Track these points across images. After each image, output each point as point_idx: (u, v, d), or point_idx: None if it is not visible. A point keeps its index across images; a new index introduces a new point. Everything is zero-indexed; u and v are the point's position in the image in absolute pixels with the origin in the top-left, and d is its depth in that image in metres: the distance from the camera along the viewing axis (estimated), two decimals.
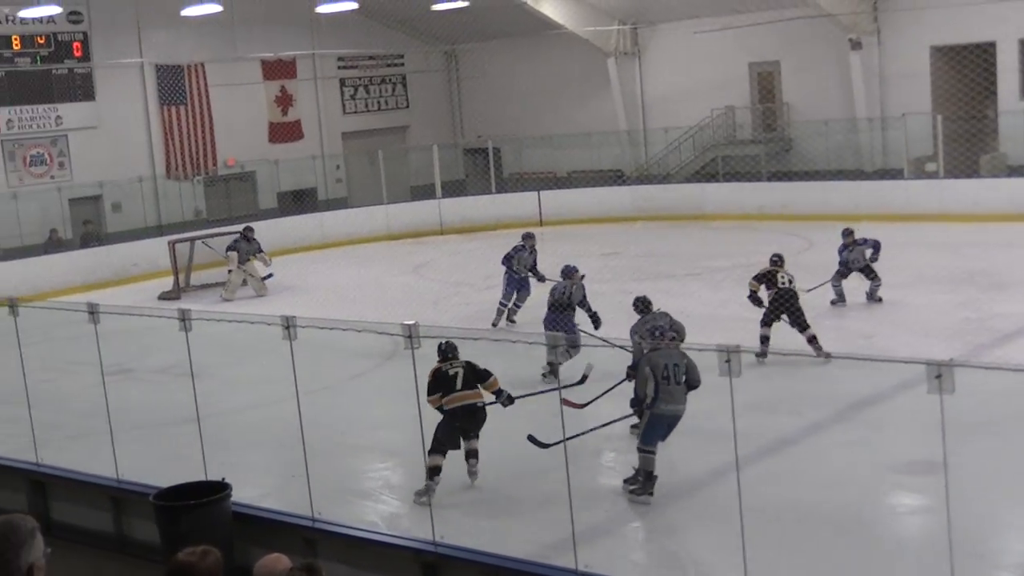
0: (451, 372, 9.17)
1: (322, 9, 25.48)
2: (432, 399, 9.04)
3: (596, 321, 12.97)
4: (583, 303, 13.05)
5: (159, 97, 27.85)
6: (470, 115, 33.39)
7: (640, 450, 8.79)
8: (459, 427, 9.22)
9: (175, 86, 28.08)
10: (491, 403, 9.45)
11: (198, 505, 8.40)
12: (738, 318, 13.79)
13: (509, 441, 9.70)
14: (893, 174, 23.66)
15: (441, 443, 9.09)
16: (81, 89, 26.45)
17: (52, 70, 25.86)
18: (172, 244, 21.48)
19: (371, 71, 32.23)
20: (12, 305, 10.17)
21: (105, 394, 9.82)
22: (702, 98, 27.49)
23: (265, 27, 28.88)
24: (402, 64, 32.98)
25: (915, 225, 21.02)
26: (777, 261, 13.19)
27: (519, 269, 15.78)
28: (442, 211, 27.21)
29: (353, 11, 26.60)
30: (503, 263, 15.97)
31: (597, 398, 9.93)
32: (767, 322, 12.68)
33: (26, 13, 22.98)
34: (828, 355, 11.82)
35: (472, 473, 9.25)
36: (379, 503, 9.77)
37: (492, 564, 7.33)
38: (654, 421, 8.77)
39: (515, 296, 15.84)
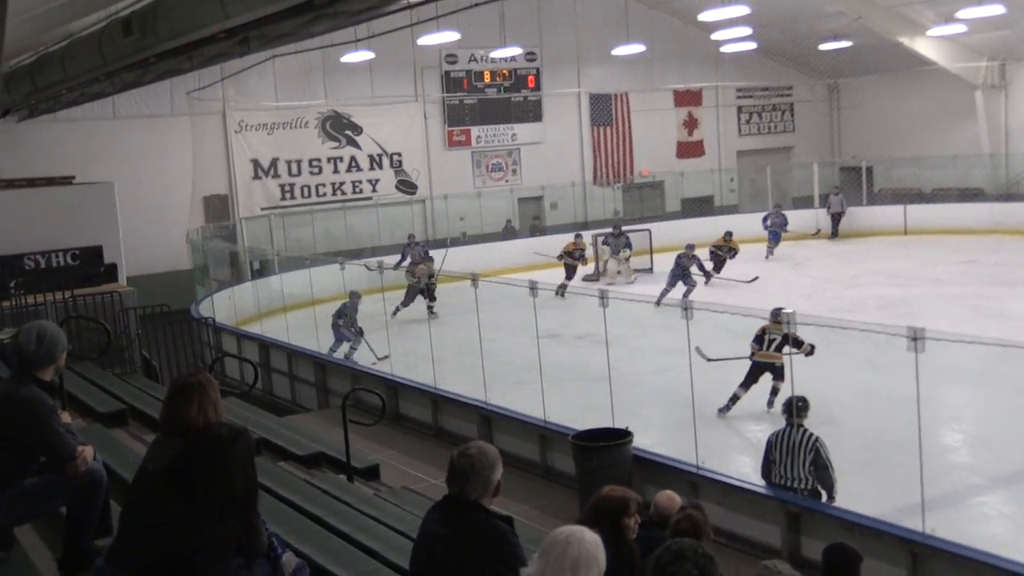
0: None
1: (726, 49, 27.33)
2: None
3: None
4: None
5: (591, 119, 29.48)
6: (847, 138, 32.75)
7: None
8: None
9: (604, 111, 29.46)
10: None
11: (606, 447, 8.99)
12: None
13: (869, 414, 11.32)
14: None
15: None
16: (532, 112, 28.84)
17: (511, 98, 28.51)
18: (596, 237, 23.71)
19: (764, 100, 32.37)
20: (474, 279, 11.32)
21: (538, 352, 10.70)
22: None
23: (678, 63, 30.11)
24: (790, 94, 33.01)
25: None
26: None
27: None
28: (819, 217, 28.11)
29: (751, 50, 27.89)
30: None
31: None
32: None
33: (496, 54, 26.63)
34: None
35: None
36: (751, 458, 10.18)
37: (849, 520, 7.94)
38: None
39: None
